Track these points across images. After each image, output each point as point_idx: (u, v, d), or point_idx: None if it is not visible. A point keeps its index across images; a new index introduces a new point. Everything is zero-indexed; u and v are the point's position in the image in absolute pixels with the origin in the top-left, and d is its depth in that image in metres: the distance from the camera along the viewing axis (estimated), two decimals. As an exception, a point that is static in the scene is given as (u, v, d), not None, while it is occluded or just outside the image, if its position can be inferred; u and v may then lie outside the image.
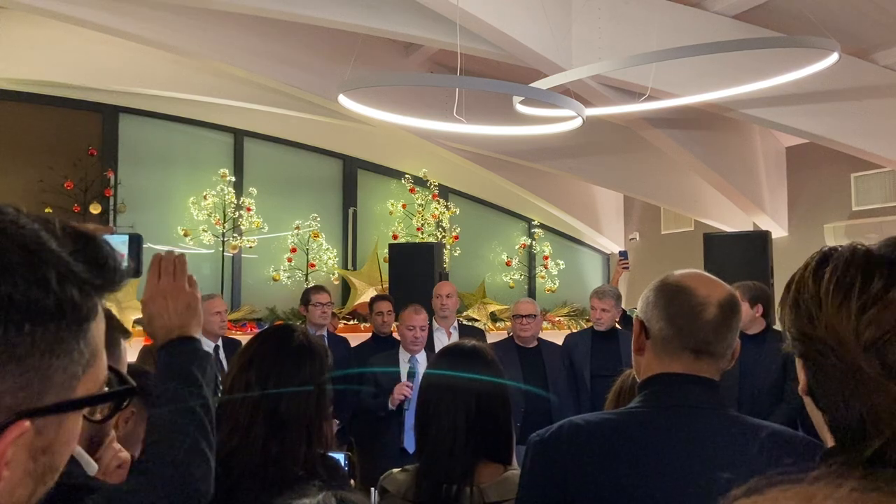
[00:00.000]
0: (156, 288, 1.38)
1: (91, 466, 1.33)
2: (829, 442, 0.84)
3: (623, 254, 5.94)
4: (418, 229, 8.08)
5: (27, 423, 0.56)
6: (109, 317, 0.66)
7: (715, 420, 1.32)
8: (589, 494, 1.30)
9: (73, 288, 0.58)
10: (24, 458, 0.57)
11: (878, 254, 0.81)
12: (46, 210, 6.75)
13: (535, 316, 4.64)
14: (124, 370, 1.30)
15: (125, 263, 0.65)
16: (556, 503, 1.32)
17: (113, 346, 1.13)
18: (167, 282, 1.38)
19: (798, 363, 0.87)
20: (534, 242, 8.73)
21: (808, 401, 0.87)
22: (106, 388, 0.65)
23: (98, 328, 0.63)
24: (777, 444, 1.28)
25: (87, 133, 7.35)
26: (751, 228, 7.08)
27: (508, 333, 5.28)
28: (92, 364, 0.62)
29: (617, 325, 4.82)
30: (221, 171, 7.56)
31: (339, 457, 2.18)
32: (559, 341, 4.99)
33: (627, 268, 6.15)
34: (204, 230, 7.39)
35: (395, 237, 7.99)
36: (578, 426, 1.36)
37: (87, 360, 0.61)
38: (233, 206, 7.53)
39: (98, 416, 0.72)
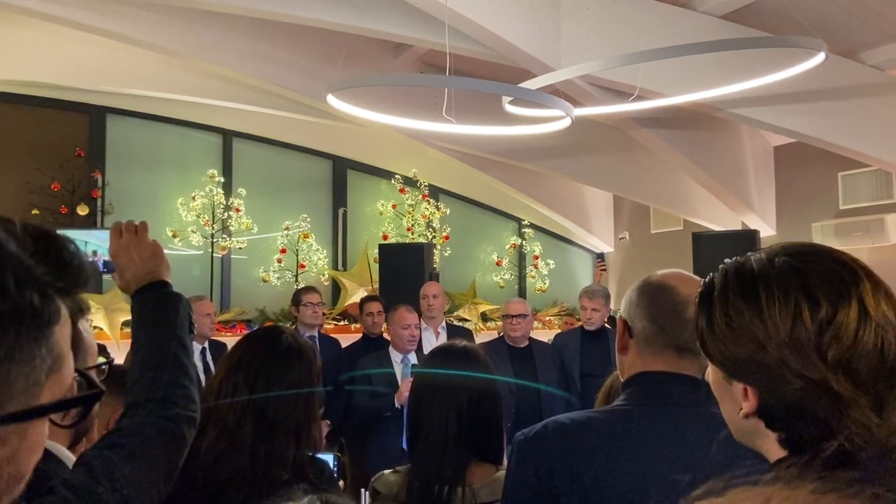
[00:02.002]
0: (119, 244, 1.44)
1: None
2: (774, 456, 0.85)
3: (601, 256, 5.99)
4: (408, 230, 8.07)
5: None
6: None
7: (697, 418, 1.33)
8: (574, 492, 1.30)
9: (33, 292, 0.56)
10: None
11: (802, 268, 0.84)
12: (34, 212, 6.71)
13: (525, 315, 4.64)
14: (93, 355, 1.29)
15: (92, 262, 0.63)
16: (542, 501, 1.32)
17: (77, 342, 1.12)
18: (129, 237, 1.45)
19: (730, 390, 0.88)
20: (524, 242, 8.73)
21: (749, 423, 0.87)
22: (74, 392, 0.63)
23: (62, 332, 0.60)
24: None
25: (74, 134, 7.30)
26: (739, 227, 7.12)
27: (499, 333, 5.28)
28: (56, 369, 0.59)
29: (606, 325, 4.84)
30: (210, 171, 7.53)
31: (328, 458, 2.18)
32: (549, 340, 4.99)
33: (605, 270, 6.17)
34: (193, 231, 7.35)
35: (385, 238, 7.97)
36: (564, 425, 1.36)
37: (49, 365, 0.58)
38: (222, 206, 7.50)
39: (68, 421, 0.70)
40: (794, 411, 0.82)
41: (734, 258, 0.92)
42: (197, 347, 4.54)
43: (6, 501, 0.59)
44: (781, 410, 0.83)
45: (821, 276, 0.83)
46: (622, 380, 1.44)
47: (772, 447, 0.85)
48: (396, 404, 4.10)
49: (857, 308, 0.81)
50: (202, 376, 4.28)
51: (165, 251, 1.47)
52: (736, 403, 0.87)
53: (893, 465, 0.79)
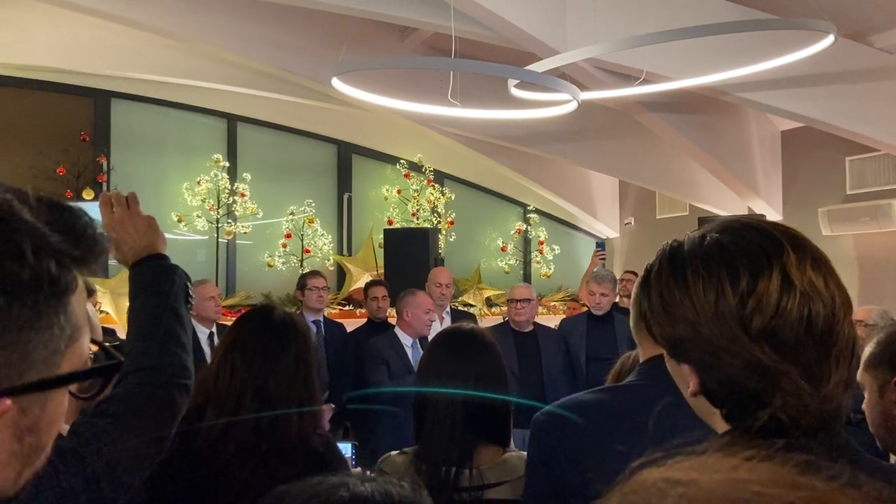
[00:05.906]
0: (112, 218, 1.44)
1: None
2: (721, 430, 0.87)
3: (600, 244, 5.99)
4: (413, 215, 8.06)
5: (9, 402, 0.54)
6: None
7: None
8: (596, 471, 1.29)
9: (50, 260, 0.56)
10: (7, 438, 0.55)
11: (727, 243, 0.85)
12: (39, 196, 6.72)
13: (530, 300, 4.65)
14: (99, 336, 1.31)
15: (103, 234, 0.63)
16: (564, 482, 1.32)
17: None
18: (121, 211, 1.45)
19: (681, 370, 0.89)
20: (529, 227, 8.72)
21: (698, 402, 0.88)
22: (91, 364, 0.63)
23: (79, 301, 0.60)
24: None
25: (78, 118, 7.29)
26: (745, 212, 7.09)
27: (504, 318, 5.29)
28: (75, 339, 0.59)
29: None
30: (215, 156, 7.52)
31: (346, 447, 2.19)
32: (555, 325, 5.00)
33: (604, 259, 6.17)
34: (198, 216, 7.36)
35: (390, 223, 7.97)
36: (585, 402, 1.36)
37: (69, 334, 0.58)
38: (227, 191, 7.50)
39: (86, 393, 0.70)
40: (729, 387, 0.83)
41: (673, 239, 0.93)
42: (204, 332, 4.53)
43: (28, 474, 0.58)
44: (719, 387, 0.85)
45: (743, 249, 0.84)
46: (641, 359, 1.43)
47: (719, 422, 0.87)
48: None
49: (779, 278, 0.81)
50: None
51: (170, 236, 1.47)
52: (685, 383, 0.89)
53: (828, 436, 0.81)
